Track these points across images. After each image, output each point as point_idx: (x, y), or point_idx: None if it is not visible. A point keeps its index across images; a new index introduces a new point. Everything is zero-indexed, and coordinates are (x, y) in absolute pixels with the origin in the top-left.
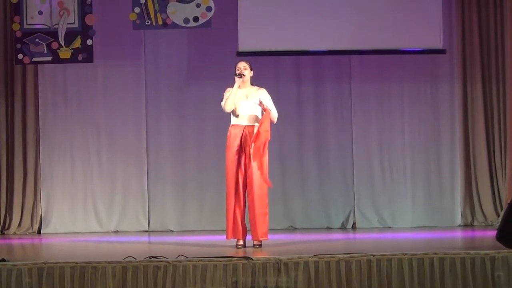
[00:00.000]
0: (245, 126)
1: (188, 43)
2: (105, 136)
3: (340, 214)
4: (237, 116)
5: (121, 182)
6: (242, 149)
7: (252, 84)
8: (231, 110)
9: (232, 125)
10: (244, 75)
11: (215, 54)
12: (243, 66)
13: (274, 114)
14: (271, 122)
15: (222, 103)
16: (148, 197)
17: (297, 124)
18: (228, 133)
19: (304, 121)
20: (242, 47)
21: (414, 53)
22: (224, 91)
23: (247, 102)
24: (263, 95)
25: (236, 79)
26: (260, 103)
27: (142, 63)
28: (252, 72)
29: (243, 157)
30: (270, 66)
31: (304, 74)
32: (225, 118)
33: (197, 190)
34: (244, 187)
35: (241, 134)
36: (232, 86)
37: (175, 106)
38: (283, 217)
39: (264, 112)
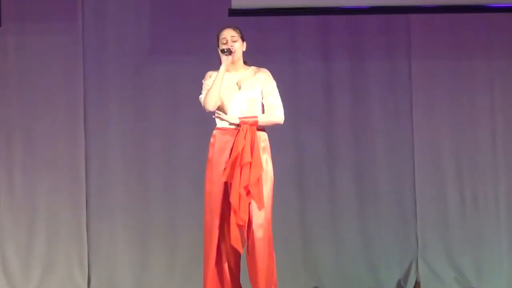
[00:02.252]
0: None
1: None
2: (20, 141)
3: (395, 268)
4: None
5: (45, 216)
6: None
7: (246, 63)
8: (215, 108)
9: (218, 128)
10: (233, 51)
11: (194, 14)
12: (230, 36)
13: (277, 114)
14: (270, 126)
15: (201, 96)
16: (87, 239)
17: (324, 124)
18: (212, 140)
19: (336, 119)
20: (237, 3)
21: (508, 10)
22: (203, 77)
23: (240, 93)
24: (265, 80)
25: (223, 57)
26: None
27: (78, 29)
28: (245, 44)
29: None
30: (280, 32)
31: (335, 45)
32: (207, 117)
33: (164, 229)
34: None
35: (232, 143)
36: (215, 69)
37: (130, 97)
38: (303, 272)
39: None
